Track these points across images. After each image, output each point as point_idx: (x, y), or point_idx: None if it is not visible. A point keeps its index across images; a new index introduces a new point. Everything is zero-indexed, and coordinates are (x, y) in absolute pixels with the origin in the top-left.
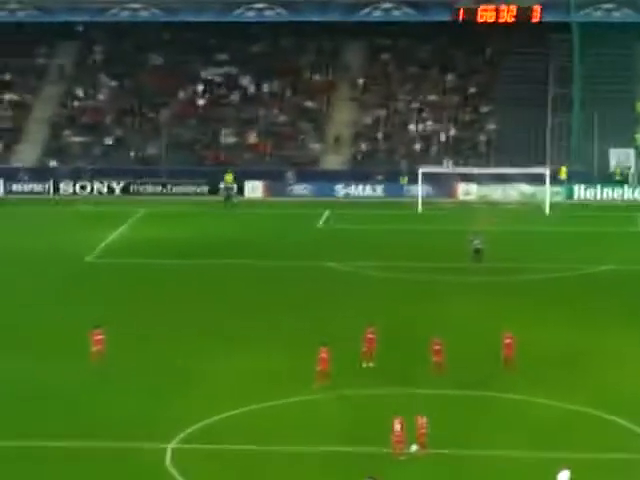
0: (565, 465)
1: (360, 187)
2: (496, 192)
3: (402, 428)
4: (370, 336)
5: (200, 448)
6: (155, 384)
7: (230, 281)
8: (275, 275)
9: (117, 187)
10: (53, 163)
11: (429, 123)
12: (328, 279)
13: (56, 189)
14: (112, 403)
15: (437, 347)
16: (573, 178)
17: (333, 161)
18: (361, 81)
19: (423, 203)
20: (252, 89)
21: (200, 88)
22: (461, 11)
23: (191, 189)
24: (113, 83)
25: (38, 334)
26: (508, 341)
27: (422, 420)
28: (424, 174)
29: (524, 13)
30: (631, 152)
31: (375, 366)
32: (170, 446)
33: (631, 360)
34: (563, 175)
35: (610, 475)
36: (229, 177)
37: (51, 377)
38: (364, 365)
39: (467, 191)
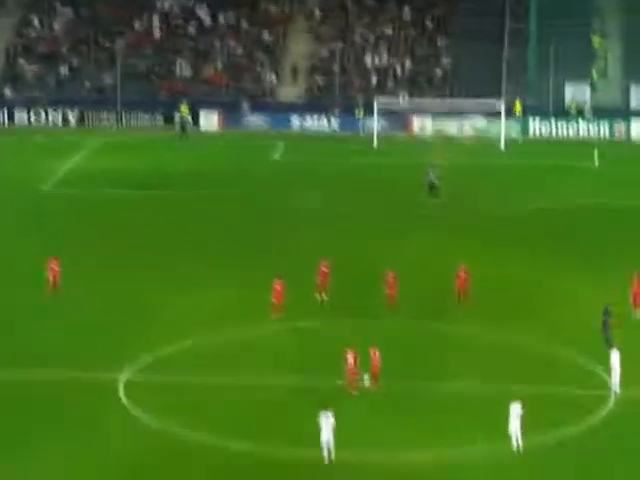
0: (517, 398)
1: (315, 120)
2: (451, 127)
3: (355, 361)
4: (324, 269)
5: (153, 380)
6: (109, 316)
7: (185, 213)
8: (229, 207)
9: (72, 117)
10: (7, 92)
11: (385, 56)
12: (282, 212)
13: (10, 118)
14: (66, 334)
15: (390, 280)
16: (529, 112)
17: (289, 93)
18: (318, 13)
19: (378, 137)
20: (208, 20)
21: (156, 18)
22: None
23: (146, 120)
24: (69, 12)
25: None
26: (462, 274)
27: (375, 353)
28: (380, 108)
29: None
30: (587, 87)
31: (329, 299)
32: (123, 377)
33: (584, 295)
34: (517, 110)
35: (560, 408)
36: (184, 108)
37: (4, 307)
38: (318, 298)
39: (422, 126)
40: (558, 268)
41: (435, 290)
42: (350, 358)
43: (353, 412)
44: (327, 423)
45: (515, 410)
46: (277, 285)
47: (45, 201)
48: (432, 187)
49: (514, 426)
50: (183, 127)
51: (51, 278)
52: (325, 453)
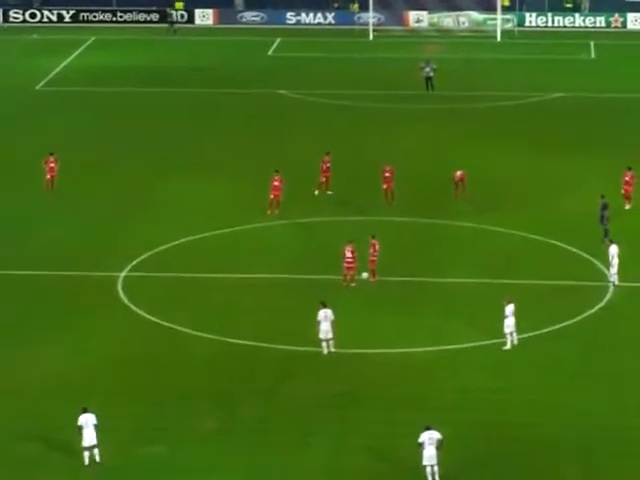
0: (510, 297)
1: (311, 15)
2: (447, 20)
3: (353, 255)
4: (327, 165)
5: (151, 276)
6: (106, 213)
7: (181, 109)
8: (226, 103)
9: (67, 15)
10: None
11: None
12: (279, 107)
13: (5, 18)
14: (65, 231)
15: (387, 174)
16: (524, 5)
17: None
18: None
19: (374, 31)
20: None
21: None
22: None
23: (142, 16)
24: None
25: None
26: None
27: (375, 246)
28: (376, 2)
29: None
30: None
31: (331, 194)
32: (121, 274)
33: (581, 187)
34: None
35: (559, 300)
36: (179, 4)
37: (3, 207)
38: (316, 193)
39: (418, 19)
40: (555, 158)
41: (433, 184)
42: (348, 252)
43: (351, 305)
44: (326, 318)
45: (509, 310)
46: (275, 181)
47: (40, 99)
48: (428, 79)
49: (508, 324)
50: (172, 22)
51: (48, 176)
52: (324, 344)
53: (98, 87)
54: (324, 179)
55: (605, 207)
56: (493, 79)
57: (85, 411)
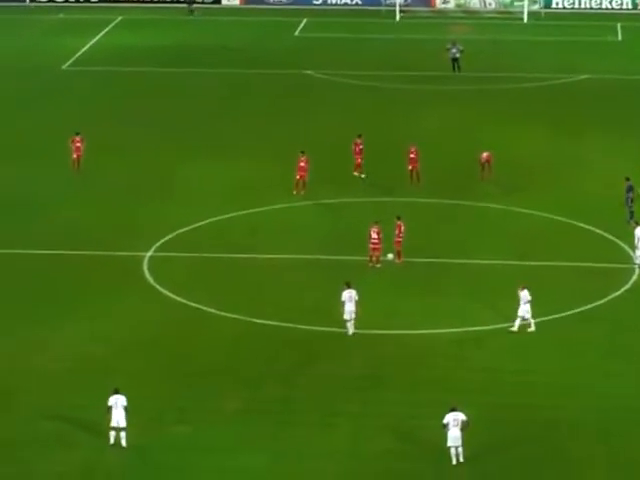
0: (524, 284)
1: None
2: (474, 1)
3: (379, 236)
4: (359, 147)
5: (176, 256)
6: (132, 192)
7: (208, 90)
8: (252, 83)
9: None
10: None
11: None
12: (306, 87)
13: None
14: (90, 211)
15: (412, 155)
16: None
17: None
18: None
19: (400, 12)
20: None
21: None
22: None
23: None
24: None
25: (17, 143)
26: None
27: (400, 227)
28: None
29: None
30: None
31: (364, 177)
32: (147, 254)
33: (606, 169)
34: None
35: (585, 282)
36: None
37: (31, 187)
38: (355, 174)
39: (445, 0)
40: (581, 140)
41: (459, 165)
42: (374, 233)
43: (376, 286)
44: (350, 299)
45: (524, 297)
46: (301, 161)
47: (67, 79)
48: (454, 60)
49: (523, 311)
50: (189, 2)
51: (75, 156)
52: (349, 325)
53: (124, 67)
54: (359, 160)
55: (630, 189)
56: (519, 61)
57: (116, 392)
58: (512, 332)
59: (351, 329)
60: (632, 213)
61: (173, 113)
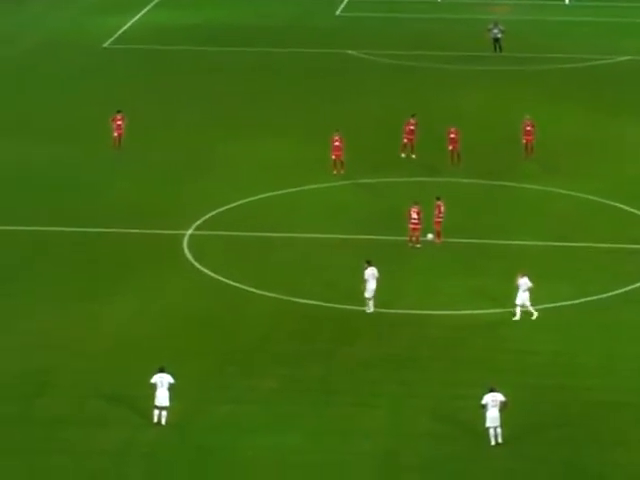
0: (523, 271)
1: None
2: None
3: (419, 216)
4: (410, 127)
5: (216, 234)
6: (173, 171)
7: (249, 69)
8: (293, 63)
9: None
10: None
11: None
12: (346, 67)
13: None
14: (131, 189)
15: (453, 136)
16: None
17: None
18: None
19: None
20: None
21: None
22: None
23: None
24: None
25: (59, 122)
26: (529, 128)
27: (440, 208)
28: None
29: None
30: None
31: (415, 158)
32: (187, 232)
33: None
34: None
35: (624, 264)
36: None
37: (72, 165)
38: (402, 155)
39: None
40: (622, 121)
41: (500, 146)
42: (414, 213)
43: (416, 266)
44: (373, 277)
45: (524, 284)
46: (336, 141)
47: (107, 57)
48: (496, 40)
49: (522, 298)
50: None
51: (116, 134)
52: (370, 303)
53: (165, 46)
54: (406, 141)
55: None
56: (561, 41)
57: (161, 370)
58: (516, 321)
59: (372, 307)
60: None
61: (213, 92)
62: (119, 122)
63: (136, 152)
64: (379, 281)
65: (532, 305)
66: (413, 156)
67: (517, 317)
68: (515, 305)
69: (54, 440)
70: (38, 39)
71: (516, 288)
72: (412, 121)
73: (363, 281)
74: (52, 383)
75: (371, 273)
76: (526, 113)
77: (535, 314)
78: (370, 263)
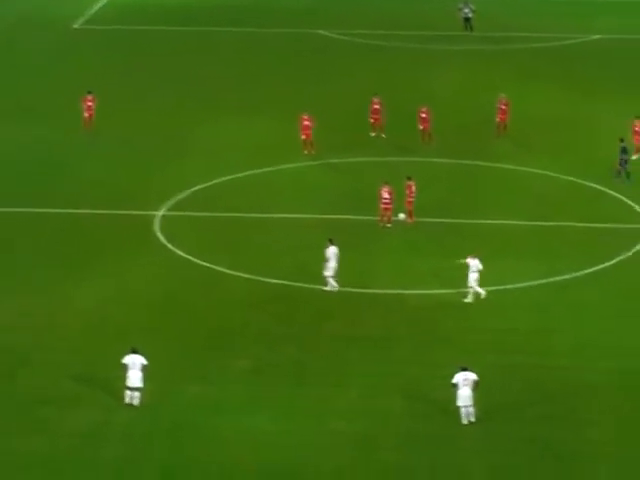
0: (474, 254)
1: None
2: None
3: (390, 196)
4: (375, 106)
5: (188, 215)
6: (145, 152)
7: (221, 49)
8: (266, 43)
9: None
10: None
11: None
12: (318, 47)
13: None
14: (102, 171)
15: (423, 115)
16: None
17: None
18: None
19: None
20: None
21: None
22: None
23: None
24: None
25: (28, 101)
26: (503, 107)
27: (411, 188)
28: None
29: None
30: None
31: (385, 137)
32: (159, 213)
33: (619, 130)
34: None
35: (597, 243)
36: None
37: (42, 145)
38: (373, 135)
39: None
40: (593, 100)
41: (473, 125)
42: (385, 193)
43: (387, 246)
44: (334, 256)
45: (474, 265)
46: (305, 120)
47: (78, 37)
48: (467, 20)
49: (472, 279)
50: None
51: (86, 115)
52: (332, 281)
53: (136, 26)
54: (372, 120)
55: (624, 151)
56: (532, 20)
57: (134, 351)
58: (468, 303)
59: (335, 284)
60: (628, 174)
61: (187, 72)
62: (90, 103)
63: (107, 133)
64: (339, 260)
65: (480, 286)
66: (383, 135)
67: (469, 299)
68: (468, 287)
69: (29, 421)
70: (8, 20)
71: (466, 268)
72: (376, 100)
73: (325, 259)
74: (25, 364)
75: (333, 252)
76: (501, 92)
77: (483, 294)
78: (332, 242)
